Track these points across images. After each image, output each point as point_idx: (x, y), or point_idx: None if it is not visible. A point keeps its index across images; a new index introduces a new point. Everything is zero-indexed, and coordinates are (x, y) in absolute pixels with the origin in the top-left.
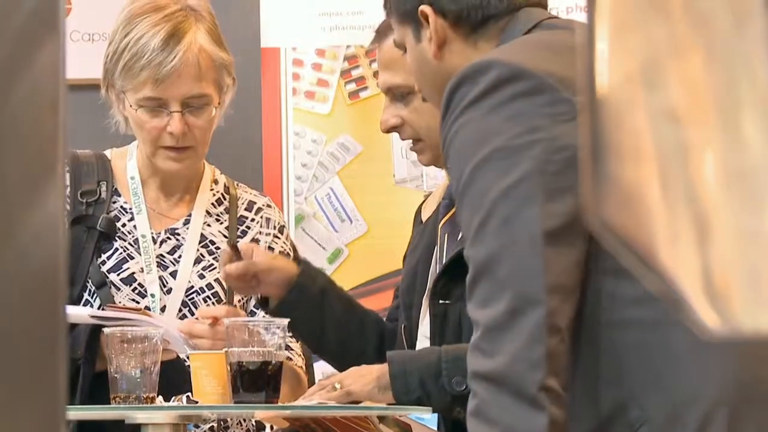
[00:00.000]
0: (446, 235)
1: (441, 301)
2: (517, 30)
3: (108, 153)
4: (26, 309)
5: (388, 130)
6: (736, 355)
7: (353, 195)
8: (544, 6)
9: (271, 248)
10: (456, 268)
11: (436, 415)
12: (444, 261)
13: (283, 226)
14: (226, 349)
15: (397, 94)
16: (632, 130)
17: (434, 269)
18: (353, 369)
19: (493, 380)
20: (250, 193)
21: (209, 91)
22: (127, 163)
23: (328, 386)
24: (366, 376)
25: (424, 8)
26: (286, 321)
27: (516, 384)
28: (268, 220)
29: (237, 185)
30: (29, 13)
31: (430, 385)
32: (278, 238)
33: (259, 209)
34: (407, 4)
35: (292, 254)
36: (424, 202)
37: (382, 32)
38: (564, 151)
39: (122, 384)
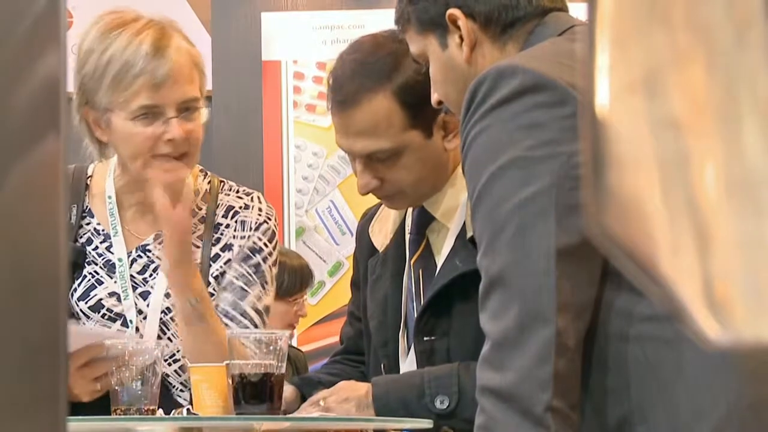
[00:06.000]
0: (420, 270)
1: (426, 338)
2: (546, 34)
3: (90, 168)
4: (27, 320)
5: (369, 192)
6: (747, 374)
7: (354, 208)
8: (566, 11)
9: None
10: (437, 303)
11: None
12: (423, 297)
13: (262, 224)
14: (227, 361)
15: (380, 158)
16: (633, 140)
17: (409, 305)
18: (344, 383)
19: (501, 397)
20: (233, 196)
21: (198, 94)
22: (106, 180)
23: (315, 402)
24: (351, 392)
25: (453, 11)
26: (287, 332)
27: (523, 403)
28: (243, 223)
29: (222, 188)
30: (31, 25)
31: (413, 405)
32: (254, 234)
33: (236, 213)
34: (431, 11)
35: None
36: (369, 224)
37: (350, 101)
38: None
39: (123, 396)
